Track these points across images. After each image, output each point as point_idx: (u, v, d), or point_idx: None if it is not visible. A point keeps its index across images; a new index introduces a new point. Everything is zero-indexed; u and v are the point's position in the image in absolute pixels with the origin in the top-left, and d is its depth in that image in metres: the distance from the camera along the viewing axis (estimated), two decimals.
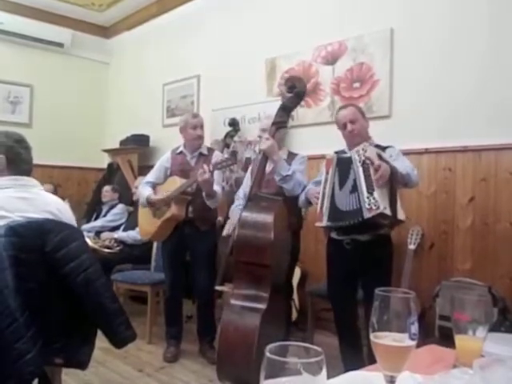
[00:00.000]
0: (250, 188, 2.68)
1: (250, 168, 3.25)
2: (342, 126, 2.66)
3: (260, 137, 2.98)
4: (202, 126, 3.31)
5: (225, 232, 3.10)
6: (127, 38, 6.22)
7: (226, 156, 3.29)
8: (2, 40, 5.65)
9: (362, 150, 2.40)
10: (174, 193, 3.12)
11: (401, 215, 2.42)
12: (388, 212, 2.32)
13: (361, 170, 2.39)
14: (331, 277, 2.73)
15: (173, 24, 5.48)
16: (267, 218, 2.32)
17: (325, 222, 2.49)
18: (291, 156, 2.98)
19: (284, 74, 4.17)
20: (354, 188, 2.41)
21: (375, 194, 2.32)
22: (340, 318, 2.72)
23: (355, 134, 2.63)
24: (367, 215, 2.32)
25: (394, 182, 2.39)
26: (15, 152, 1.91)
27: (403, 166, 2.47)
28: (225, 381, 2.30)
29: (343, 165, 2.50)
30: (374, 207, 2.30)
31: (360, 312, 2.71)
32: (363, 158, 2.38)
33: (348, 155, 2.51)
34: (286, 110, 2.69)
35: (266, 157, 2.67)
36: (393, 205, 2.38)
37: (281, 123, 2.69)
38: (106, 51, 6.53)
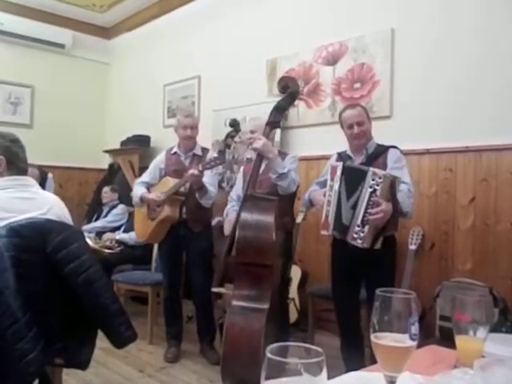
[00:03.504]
0: (245, 188, 2.66)
1: (241, 169, 3.21)
2: (348, 126, 2.63)
3: (250, 138, 2.97)
4: (193, 127, 3.27)
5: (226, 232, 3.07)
6: (128, 38, 6.22)
7: (214, 155, 3.27)
8: (3, 41, 5.66)
9: (379, 178, 2.32)
10: (168, 193, 3.11)
11: (378, 245, 2.44)
12: (367, 246, 2.39)
13: (367, 197, 2.35)
14: (335, 277, 2.73)
15: (173, 25, 5.49)
16: (268, 218, 2.31)
17: (331, 232, 2.52)
18: (282, 155, 2.93)
19: (285, 74, 4.17)
20: (355, 207, 2.40)
21: (366, 228, 2.35)
22: (343, 319, 2.72)
23: (361, 136, 2.62)
24: (349, 240, 2.43)
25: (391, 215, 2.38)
26: (12, 152, 1.91)
27: (405, 196, 2.46)
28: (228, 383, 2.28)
29: (353, 177, 2.43)
30: (359, 240, 2.38)
31: (362, 313, 2.71)
32: (376, 187, 2.31)
33: (364, 169, 2.42)
34: (279, 110, 2.68)
35: (260, 156, 2.65)
36: (376, 237, 2.41)
37: (275, 123, 2.70)
38: (106, 52, 6.54)
